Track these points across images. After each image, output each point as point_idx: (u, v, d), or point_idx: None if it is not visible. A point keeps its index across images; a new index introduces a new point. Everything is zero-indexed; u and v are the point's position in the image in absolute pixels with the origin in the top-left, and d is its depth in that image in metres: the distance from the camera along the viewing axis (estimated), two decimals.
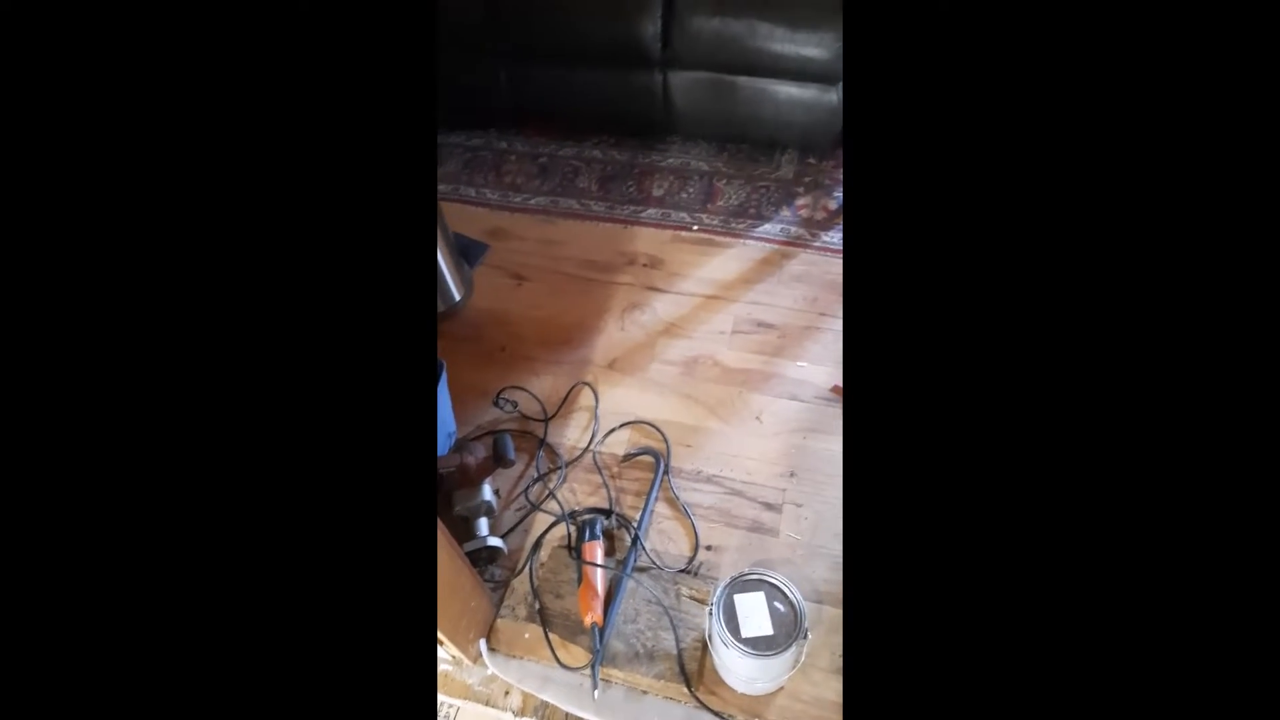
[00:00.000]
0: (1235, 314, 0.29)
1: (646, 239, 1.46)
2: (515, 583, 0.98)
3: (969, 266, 0.31)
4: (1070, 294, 0.30)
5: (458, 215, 1.52)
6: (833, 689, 0.88)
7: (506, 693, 0.90)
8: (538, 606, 0.95)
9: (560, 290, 1.37)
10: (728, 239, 1.45)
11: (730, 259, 1.40)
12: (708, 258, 1.41)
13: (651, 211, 1.52)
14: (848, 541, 0.35)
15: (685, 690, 0.87)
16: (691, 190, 1.57)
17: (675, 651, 0.90)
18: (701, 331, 1.28)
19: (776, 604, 0.84)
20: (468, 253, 1.43)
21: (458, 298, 1.32)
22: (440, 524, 0.77)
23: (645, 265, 1.41)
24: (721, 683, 0.88)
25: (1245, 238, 0.29)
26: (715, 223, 1.49)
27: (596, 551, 0.97)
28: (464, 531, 1.00)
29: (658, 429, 1.14)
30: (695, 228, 1.48)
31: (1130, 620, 0.30)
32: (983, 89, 0.30)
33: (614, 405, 1.18)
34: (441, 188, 1.61)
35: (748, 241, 1.44)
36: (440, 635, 0.82)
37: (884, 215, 0.32)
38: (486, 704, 0.90)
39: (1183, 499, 0.29)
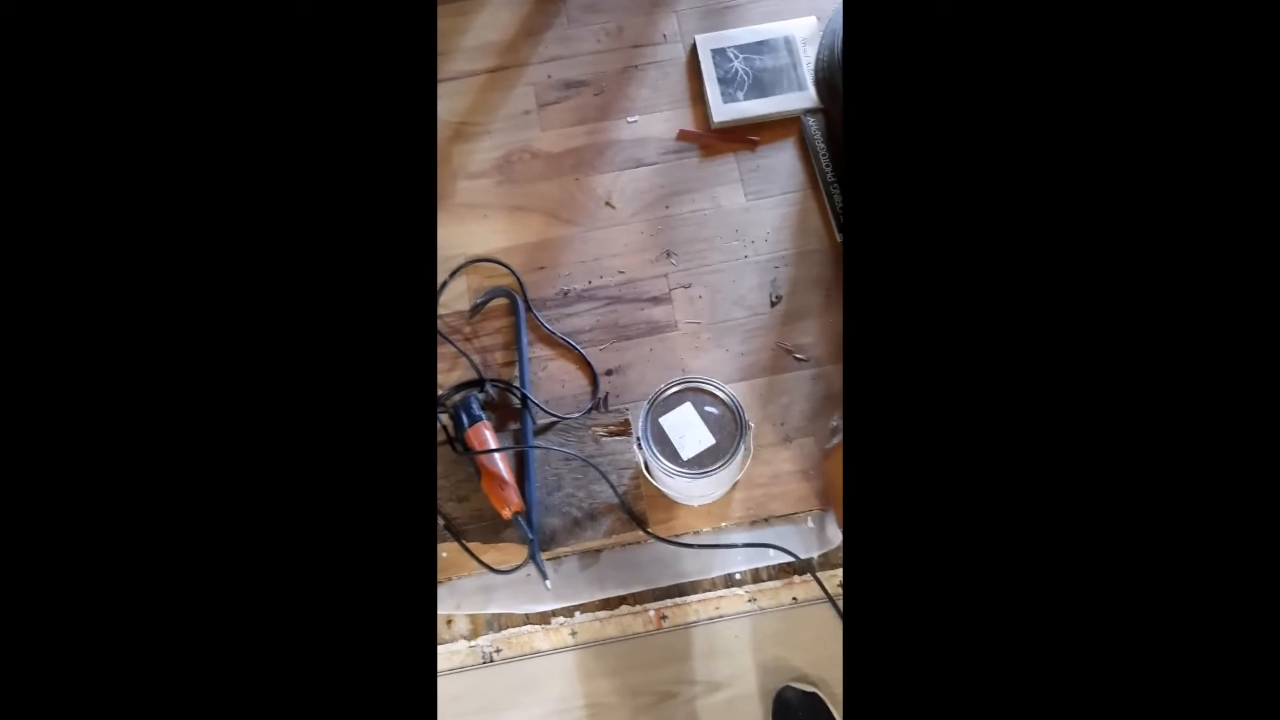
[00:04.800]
0: (1235, 314, 0.29)
1: None
2: None
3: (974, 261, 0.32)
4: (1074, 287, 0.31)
5: None
6: (784, 458, 0.81)
7: (449, 622, 0.77)
8: (442, 522, 0.78)
9: None
10: None
11: (497, 8, 1.06)
12: (467, 17, 1.05)
13: None
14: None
15: (641, 533, 0.77)
16: None
17: (616, 499, 0.78)
18: (500, 120, 0.99)
19: (708, 408, 0.72)
20: None
21: None
22: None
23: None
24: (675, 506, 0.79)
25: (1245, 238, 0.29)
26: None
27: (485, 434, 0.79)
28: None
29: (498, 262, 0.91)
30: None
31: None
32: (983, 85, 0.31)
33: (442, 250, 0.92)
34: None
35: None
36: None
37: (884, 209, 0.33)
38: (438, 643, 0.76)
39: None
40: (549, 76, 1.00)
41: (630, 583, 0.78)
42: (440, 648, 0.76)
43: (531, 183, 0.95)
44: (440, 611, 0.76)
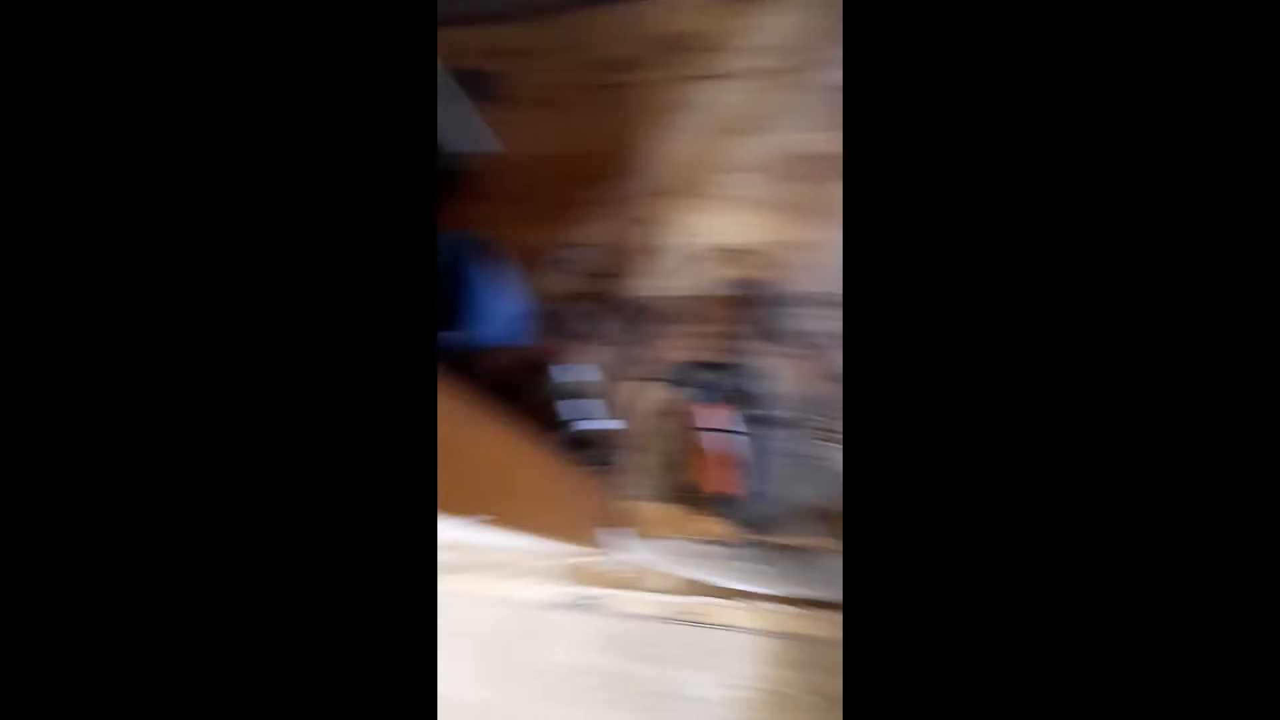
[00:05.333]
0: (1236, 315, 0.29)
1: (677, 8, 1.14)
2: (636, 460, 0.89)
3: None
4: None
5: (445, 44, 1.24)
6: None
7: (645, 574, 0.85)
8: (666, 482, 0.86)
9: (589, 108, 1.11)
10: None
11: (791, 10, 1.08)
12: (754, 18, 1.09)
13: None
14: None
15: (837, 543, 0.78)
16: None
17: (822, 503, 0.80)
18: (776, 119, 1.02)
19: None
20: (474, 90, 1.17)
21: (470, 149, 1.11)
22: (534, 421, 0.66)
23: (684, 48, 1.11)
24: None
25: (1246, 238, 0.29)
26: None
27: (715, 413, 0.84)
28: (562, 418, 0.90)
29: (753, 253, 0.95)
30: None
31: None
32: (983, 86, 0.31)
33: (695, 236, 0.99)
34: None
35: None
36: (556, 534, 0.76)
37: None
38: (630, 588, 0.85)
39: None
40: (833, 81, 1.01)
41: (818, 586, 0.79)
42: (636, 594, 0.85)
43: (796, 183, 0.97)
44: (643, 559, 0.85)
